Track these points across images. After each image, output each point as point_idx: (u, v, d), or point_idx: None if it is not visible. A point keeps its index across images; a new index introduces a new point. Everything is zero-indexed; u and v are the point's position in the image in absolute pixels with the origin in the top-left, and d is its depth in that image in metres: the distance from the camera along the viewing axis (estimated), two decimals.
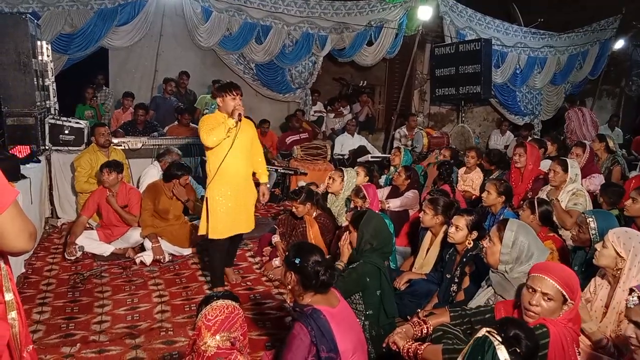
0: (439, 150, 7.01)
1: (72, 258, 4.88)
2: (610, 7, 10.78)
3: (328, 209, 4.97)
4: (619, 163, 6.23)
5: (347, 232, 3.49)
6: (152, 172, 5.74)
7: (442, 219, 3.98)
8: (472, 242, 3.47)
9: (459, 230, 3.49)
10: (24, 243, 1.50)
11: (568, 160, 4.80)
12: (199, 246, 5.09)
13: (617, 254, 2.69)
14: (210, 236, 4.04)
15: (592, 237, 3.24)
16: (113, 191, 5.11)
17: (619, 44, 11.03)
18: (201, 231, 4.12)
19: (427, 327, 2.72)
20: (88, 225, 5.33)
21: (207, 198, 4.02)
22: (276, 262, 4.66)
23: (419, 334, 2.73)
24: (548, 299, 2.24)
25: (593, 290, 2.86)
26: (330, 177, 5.21)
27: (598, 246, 2.81)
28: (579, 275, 3.31)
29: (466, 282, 3.33)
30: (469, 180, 6.00)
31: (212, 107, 8.11)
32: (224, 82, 4.16)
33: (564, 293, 2.23)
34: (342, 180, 5.13)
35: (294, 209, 4.70)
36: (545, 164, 5.70)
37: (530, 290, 2.28)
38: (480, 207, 4.88)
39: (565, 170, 4.61)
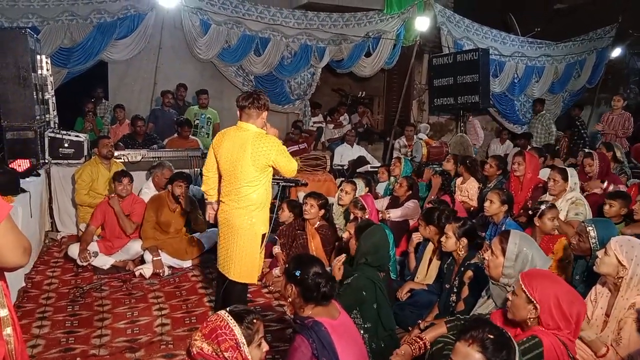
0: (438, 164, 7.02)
1: (85, 263, 4.90)
2: (607, 16, 10.84)
3: (332, 221, 4.97)
4: (626, 173, 6.23)
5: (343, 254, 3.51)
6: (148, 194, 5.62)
7: (435, 230, 3.98)
8: (462, 249, 3.48)
9: (448, 238, 3.52)
10: (18, 258, 1.50)
11: (567, 169, 4.80)
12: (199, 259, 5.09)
13: (619, 262, 2.69)
14: (257, 275, 3.67)
15: (592, 246, 3.24)
16: (121, 198, 5.13)
17: (616, 52, 11.08)
18: (252, 279, 3.56)
19: (425, 343, 2.73)
20: None
21: (263, 235, 3.55)
22: (276, 271, 4.64)
23: (417, 352, 2.73)
24: (513, 293, 2.34)
25: (594, 298, 2.85)
26: (342, 190, 5.19)
27: (600, 253, 2.80)
28: (579, 284, 3.32)
29: (465, 291, 3.32)
30: (464, 190, 5.98)
31: (202, 116, 8.13)
32: (247, 94, 3.53)
33: (526, 291, 2.26)
34: (355, 194, 5.10)
35: (307, 207, 4.66)
36: (544, 173, 5.70)
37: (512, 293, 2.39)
38: (480, 217, 4.87)
39: (565, 179, 4.61)
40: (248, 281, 3.55)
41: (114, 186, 5.15)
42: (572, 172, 4.72)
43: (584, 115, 11.87)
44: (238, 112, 3.54)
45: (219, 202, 3.65)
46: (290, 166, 3.47)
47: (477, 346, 1.81)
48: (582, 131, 9.35)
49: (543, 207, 3.95)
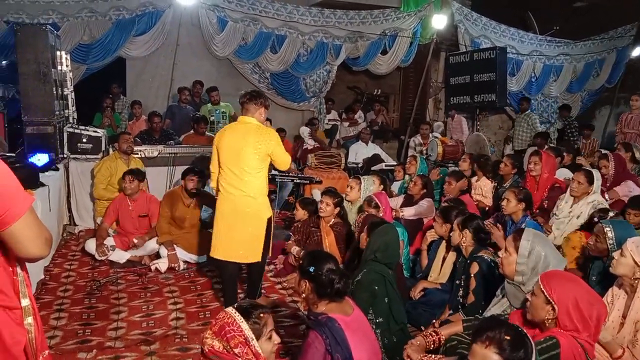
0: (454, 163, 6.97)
1: (104, 257, 4.99)
2: (627, 15, 10.67)
3: (346, 218, 4.97)
4: None
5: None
6: None
7: (451, 227, 3.98)
8: (467, 243, 3.48)
9: (454, 230, 3.61)
10: (40, 249, 1.52)
11: (593, 170, 4.67)
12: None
13: (636, 263, 2.66)
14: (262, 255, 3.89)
15: (609, 247, 3.20)
16: (133, 198, 5.24)
17: (637, 51, 10.91)
18: (256, 258, 3.83)
19: (440, 338, 2.72)
20: None
21: (269, 219, 3.83)
22: (296, 249, 4.77)
23: (432, 345, 2.73)
24: (532, 294, 2.31)
25: (610, 300, 2.82)
26: (348, 185, 5.22)
27: (616, 254, 2.78)
28: (596, 285, 3.29)
29: (472, 283, 3.30)
30: (478, 188, 5.93)
31: (217, 112, 8.15)
32: (247, 92, 3.87)
33: (544, 291, 2.23)
34: (360, 188, 5.11)
35: (323, 205, 4.69)
36: (561, 173, 5.63)
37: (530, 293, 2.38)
38: (496, 216, 4.83)
39: (591, 182, 4.47)
40: (253, 260, 3.82)
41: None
42: (597, 175, 4.57)
43: (603, 115, 11.73)
44: (241, 110, 3.87)
45: (217, 191, 3.86)
46: (285, 158, 3.79)
47: (494, 347, 1.81)
48: (568, 131, 9.32)
49: (611, 214, 3.92)
